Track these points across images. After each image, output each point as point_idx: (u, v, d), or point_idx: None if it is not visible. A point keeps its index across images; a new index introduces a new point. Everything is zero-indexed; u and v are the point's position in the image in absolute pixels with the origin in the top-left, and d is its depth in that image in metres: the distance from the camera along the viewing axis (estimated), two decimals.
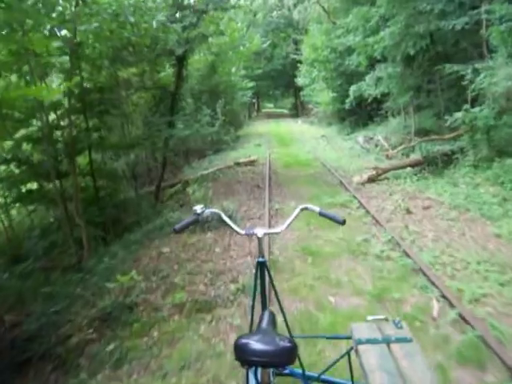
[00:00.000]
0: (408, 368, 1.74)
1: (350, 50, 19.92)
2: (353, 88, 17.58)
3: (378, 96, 15.09)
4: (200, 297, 4.30)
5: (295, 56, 30.17)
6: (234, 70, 20.75)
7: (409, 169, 10.45)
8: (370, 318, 2.14)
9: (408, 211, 7.12)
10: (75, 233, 7.42)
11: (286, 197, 8.39)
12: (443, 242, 5.64)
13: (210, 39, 11.55)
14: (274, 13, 42.83)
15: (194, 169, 13.28)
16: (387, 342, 1.93)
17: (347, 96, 20.79)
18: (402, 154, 12.94)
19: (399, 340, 1.93)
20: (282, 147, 16.57)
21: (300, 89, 35.54)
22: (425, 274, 4.55)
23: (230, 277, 4.69)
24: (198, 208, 2.14)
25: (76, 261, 6.92)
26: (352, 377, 2.13)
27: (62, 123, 8.20)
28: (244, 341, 1.59)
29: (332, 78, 21.68)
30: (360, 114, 21.22)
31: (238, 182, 10.09)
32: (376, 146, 15.20)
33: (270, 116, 43.75)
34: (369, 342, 1.92)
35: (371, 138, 16.05)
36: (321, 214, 2.19)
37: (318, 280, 4.51)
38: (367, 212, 7.02)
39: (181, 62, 9.57)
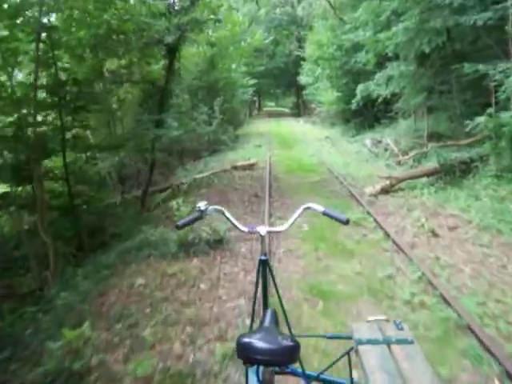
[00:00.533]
0: (408, 369, 1.70)
1: (357, 47, 18.76)
2: (360, 87, 16.41)
3: (388, 96, 13.92)
4: (174, 364, 3.14)
5: (299, 53, 28.98)
6: (234, 66, 19.53)
7: (424, 178, 9.33)
8: (370, 318, 2.10)
9: (433, 233, 5.95)
10: (42, 249, 6.27)
11: (289, 210, 7.23)
12: (484, 279, 4.48)
13: (208, 31, 10.34)
14: (278, 10, 41.56)
15: (188, 171, 12.11)
16: (388, 342, 1.90)
17: (353, 96, 19.67)
18: (414, 161, 11.82)
19: (400, 341, 1.89)
20: (283, 149, 15.39)
21: (302, 87, 34.33)
22: (475, 335, 3.39)
23: (217, 331, 3.52)
24: (202, 205, 2.09)
25: (38, 286, 5.77)
26: (351, 377, 2.06)
27: (32, 120, 6.99)
28: (247, 339, 1.54)
29: (337, 77, 20.50)
30: (366, 116, 20.05)
31: (235, 190, 8.90)
32: (385, 150, 14.04)
33: (271, 115, 42.51)
34: (369, 342, 1.89)
35: (379, 142, 14.88)
36: (324, 214, 2.12)
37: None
38: (386, 234, 5.85)
39: (172, 52, 8.40)
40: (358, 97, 16.56)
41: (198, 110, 15.46)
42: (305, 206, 2.22)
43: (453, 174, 9.32)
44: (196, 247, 5.17)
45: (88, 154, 7.84)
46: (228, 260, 5.03)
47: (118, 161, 9.19)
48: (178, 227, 2.08)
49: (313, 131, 23.59)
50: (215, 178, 10.14)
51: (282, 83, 46.25)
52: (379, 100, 14.36)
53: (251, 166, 11.04)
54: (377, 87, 16.07)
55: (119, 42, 8.04)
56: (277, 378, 2.12)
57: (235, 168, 10.86)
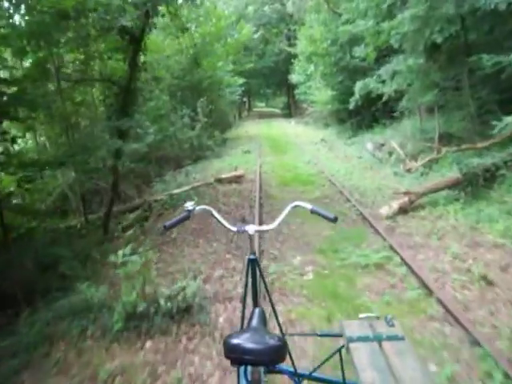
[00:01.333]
0: (399, 366, 1.69)
1: (354, 41, 17.06)
2: (359, 85, 14.70)
3: (392, 94, 12.23)
4: None
5: (290, 49, 27.26)
6: (220, 64, 17.76)
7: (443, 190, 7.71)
8: (361, 315, 2.07)
9: (486, 280, 4.26)
10: None
11: (285, 244, 5.51)
12: None
13: (183, 15, 8.57)
14: (266, 7, 39.82)
15: (166, 183, 10.34)
16: (379, 339, 1.88)
17: (349, 94, 17.95)
18: (425, 167, 10.23)
19: (391, 338, 1.88)
20: (275, 154, 13.65)
21: (294, 87, 32.66)
22: None
23: None
24: (189, 204, 2.03)
25: None
26: (343, 374, 1.99)
27: None
28: (234, 339, 1.52)
29: (331, 74, 18.80)
30: (364, 115, 18.40)
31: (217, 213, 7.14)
32: (389, 154, 12.36)
33: (261, 116, 40.75)
34: (360, 339, 1.87)
35: (382, 145, 13.20)
36: (313, 212, 2.05)
37: None
38: (424, 286, 4.11)
39: (136, 42, 6.62)
40: (357, 95, 14.86)
41: (180, 113, 13.70)
42: (293, 204, 2.12)
43: (476, 184, 7.70)
44: (151, 322, 3.40)
45: (28, 172, 6.00)
46: (198, 344, 3.27)
47: (76, 177, 7.40)
48: (165, 228, 1.99)
49: (306, 133, 21.89)
50: (195, 193, 8.38)
51: (272, 83, 44.57)
52: (383, 98, 12.60)
53: (238, 179, 9.29)
54: (377, 84, 14.40)
55: (69, 30, 6.27)
56: (269, 377, 2.09)
57: (219, 181, 9.12)
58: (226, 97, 19.34)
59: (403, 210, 6.84)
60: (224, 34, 17.53)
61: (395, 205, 6.79)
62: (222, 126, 21.14)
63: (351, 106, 15.42)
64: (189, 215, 2.01)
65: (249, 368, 1.67)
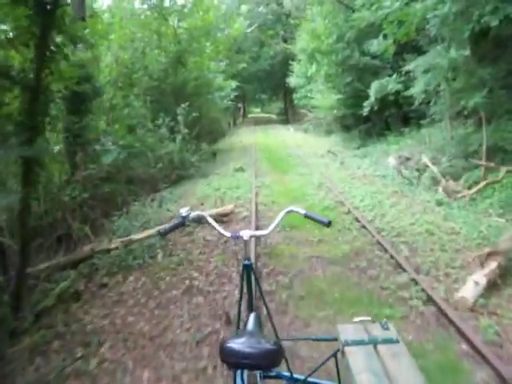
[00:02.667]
0: (395, 369, 1.67)
1: (364, 36, 14.43)
2: (375, 86, 12.03)
3: (422, 95, 9.50)
4: None
5: (289, 47, 24.56)
6: (209, 63, 14.97)
7: None
8: (356, 319, 2.06)
9: None
10: None
11: None
12: None
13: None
14: (261, 8, 37.17)
15: (130, 218, 7.52)
16: (374, 343, 1.87)
17: (358, 97, 15.26)
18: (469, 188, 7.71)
19: (386, 341, 1.86)
20: (274, 173, 10.79)
21: (292, 91, 29.96)
22: None
23: None
24: (184, 211, 2.02)
25: None
26: (339, 378, 1.97)
27: None
28: (230, 343, 1.51)
29: (337, 75, 16.07)
30: (374, 122, 15.68)
31: (182, 298, 4.25)
32: (419, 171, 9.64)
33: (257, 122, 37.95)
34: (355, 343, 1.86)
35: (408, 159, 10.47)
36: (306, 216, 2.05)
37: None
38: None
39: (46, 16, 3.85)
40: (372, 98, 12.16)
41: (158, 122, 10.91)
42: (287, 209, 2.09)
43: None
44: None
45: None
46: None
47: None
48: (161, 234, 2.00)
49: (308, 142, 19.12)
50: (158, 246, 5.56)
51: (267, 87, 41.88)
52: (416, 103, 9.85)
53: (225, 217, 6.46)
54: (397, 85, 11.69)
55: None
56: (265, 382, 2.06)
57: (200, 220, 6.33)
58: (217, 102, 16.55)
59: (492, 283, 4.08)
60: (213, 29, 14.73)
61: (481, 277, 4.01)
62: (213, 136, 18.37)
63: (365, 112, 12.69)
64: (183, 222, 1.98)
65: (245, 372, 1.67)
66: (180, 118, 10.91)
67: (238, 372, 1.75)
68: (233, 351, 1.46)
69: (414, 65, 8.94)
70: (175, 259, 5.07)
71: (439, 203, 7.35)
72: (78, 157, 7.94)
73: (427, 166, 9.51)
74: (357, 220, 6.21)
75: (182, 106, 11.12)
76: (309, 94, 21.24)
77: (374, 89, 11.84)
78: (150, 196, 9.34)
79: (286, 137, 22.51)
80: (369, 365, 1.71)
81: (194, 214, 2.07)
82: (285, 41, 36.53)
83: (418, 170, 9.80)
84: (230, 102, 19.63)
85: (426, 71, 8.74)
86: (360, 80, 15.09)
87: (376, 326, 2.00)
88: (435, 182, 8.84)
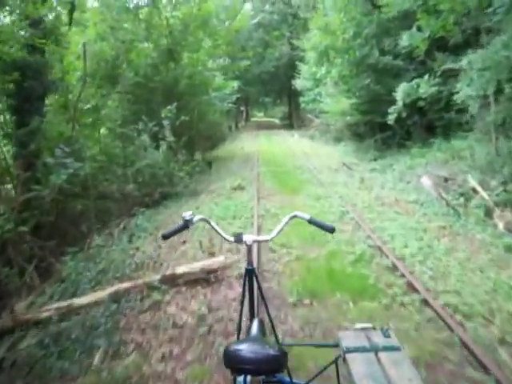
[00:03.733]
0: (396, 376, 1.63)
1: (387, 31, 12.41)
2: (403, 89, 9.91)
3: (475, 100, 7.37)
4: None
5: (297, 43, 22.45)
6: (207, 59, 12.82)
7: None
8: (357, 326, 2.01)
9: None
10: None
11: None
12: None
13: None
14: (267, 6, 35.05)
15: (87, 261, 5.41)
16: (375, 350, 1.82)
17: (376, 102, 13.22)
18: None
19: (387, 348, 1.82)
20: (282, 194, 8.50)
21: (297, 94, 27.85)
22: None
23: None
24: (187, 214, 1.91)
25: None
26: None
27: None
28: (233, 348, 1.48)
29: (352, 76, 13.93)
30: (394, 130, 13.54)
31: None
32: (463, 196, 7.51)
33: (260, 126, 35.80)
34: (356, 350, 1.82)
35: (447, 180, 8.33)
36: (310, 222, 1.96)
37: None
38: None
39: None
40: (399, 104, 10.01)
41: (141, 127, 8.78)
42: (291, 214, 2.01)
43: None
44: None
45: None
46: None
47: None
48: (164, 237, 1.96)
49: (316, 150, 16.97)
50: (103, 330, 3.43)
51: (271, 90, 39.73)
52: (471, 110, 7.71)
53: (213, 273, 4.29)
54: (431, 88, 9.56)
55: None
56: None
57: (172, 279, 4.15)
58: (216, 104, 14.45)
59: None
60: (212, 19, 12.60)
61: None
62: (211, 142, 16.24)
63: (390, 120, 10.53)
64: (187, 225, 1.91)
65: (248, 378, 1.60)
66: (166, 123, 8.79)
67: (241, 378, 1.69)
68: (236, 356, 1.43)
69: (466, 61, 6.78)
70: (119, 371, 2.90)
71: (508, 248, 5.22)
72: (18, 174, 5.84)
73: (474, 191, 7.40)
74: (412, 288, 4.04)
75: (169, 107, 8.99)
76: (318, 98, 19.09)
77: (402, 92, 9.72)
78: (123, 222, 7.21)
79: (292, 144, 20.36)
80: (370, 372, 1.66)
81: (197, 218, 1.93)
82: (290, 43, 34.52)
83: (462, 194, 7.66)
84: (230, 105, 17.55)
85: (482, 69, 6.60)
86: (378, 82, 12.98)
87: (377, 333, 1.94)
88: (488, 211, 6.73)
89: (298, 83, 22.79)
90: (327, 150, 17.22)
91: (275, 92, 40.73)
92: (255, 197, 7.91)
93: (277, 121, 48.82)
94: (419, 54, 9.51)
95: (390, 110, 10.33)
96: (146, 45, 11.45)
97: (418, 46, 9.23)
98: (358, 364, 1.73)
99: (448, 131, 11.50)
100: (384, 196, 8.10)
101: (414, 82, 9.92)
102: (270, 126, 36.92)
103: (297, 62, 22.72)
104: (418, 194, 8.05)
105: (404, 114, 10.13)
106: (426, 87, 9.35)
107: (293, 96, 34.37)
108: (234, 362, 1.45)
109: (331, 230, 1.96)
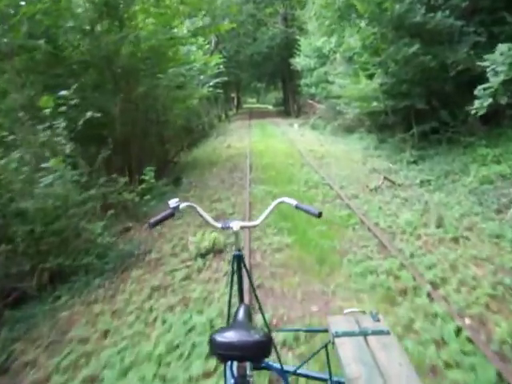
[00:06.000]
0: (385, 360, 1.61)
1: None
2: (505, 54, 5.43)
3: None
4: None
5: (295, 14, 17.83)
6: (172, 19, 8.19)
7: None
8: (347, 310, 2.01)
9: None
10: None
11: None
12: None
13: None
14: None
15: None
16: (364, 334, 1.79)
17: (423, 80, 8.97)
18: None
19: (376, 332, 1.79)
20: (309, 282, 3.85)
21: (295, 76, 23.29)
22: None
23: None
24: (173, 202, 1.84)
25: None
26: (330, 370, 1.93)
27: None
28: (219, 335, 1.44)
29: (385, 44, 9.41)
30: (441, 120, 9.36)
31: None
32: None
33: (252, 115, 31.08)
34: (346, 334, 1.78)
35: None
36: (297, 207, 1.95)
37: None
38: None
39: None
40: (498, 79, 5.56)
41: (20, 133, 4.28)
42: (278, 200, 2.00)
43: None
44: None
45: None
46: None
47: None
48: (150, 226, 1.87)
49: (329, 148, 12.44)
50: None
51: (265, 73, 34.93)
52: None
53: None
54: None
55: None
56: (255, 373, 1.96)
57: None
58: (192, 87, 9.97)
59: None
60: None
61: None
62: (186, 140, 11.76)
63: (482, 108, 5.97)
64: (173, 212, 1.83)
65: (235, 363, 1.55)
66: (61, 123, 4.30)
67: (228, 364, 1.69)
68: (222, 343, 1.41)
69: None
70: None
71: None
72: None
73: None
74: None
75: (64, 92, 4.47)
76: (325, 78, 14.54)
77: (505, 60, 5.27)
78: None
79: (292, 137, 15.79)
80: (359, 356, 1.63)
81: (183, 205, 1.85)
82: (285, 18, 29.78)
83: None
84: (214, 90, 13.04)
85: None
86: (428, 52, 8.56)
87: (366, 317, 1.92)
88: None
89: (299, 62, 18.18)
90: (341, 146, 12.79)
91: (269, 76, 35.98)
92: (248, 294, 3.40)
93: (270, 107, 44.29)
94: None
95: (478, 93, 5.84)
96: None
97: None
98: (346, 348, 1.68)
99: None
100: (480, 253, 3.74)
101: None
102: (263, 114, 32.24)
103: (297, 36, 18.06)
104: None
105: (504, 99, 5.65)
106: None
107: (289, 79, 29.79)
108: (220, 349, 1.41)
109: (317, 215, 1.87)
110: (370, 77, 10.86)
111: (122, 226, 5.78)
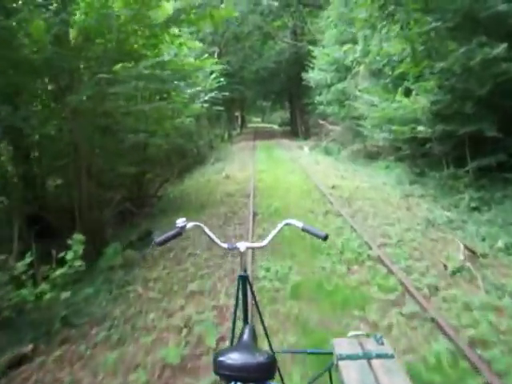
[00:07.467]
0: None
1: None
2: None
3: None
4: None
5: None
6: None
7: None
8: (351, 333, 1.94)
9: None
10: None
11: None
12: None
13: None
14: None
15: None
16: (368, 357, 1.75)
17: (496, 98, 6.25)
18: None
19: (380, 356, 1.75)
20: None
21: (305, 94, 20.71)
22: None
23: None
24: (180, 221, 1.82)
25: None
26: None
27: None
28: (223, 355, 1.42)
29: (443, 46, 6.73)
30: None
31: None
32: None
33: (257, 134, 28.46)
34: (349, 357, 1.75)
35: None
36: (303, 230, 1.90)
37: None
38: None
39: None
40: None
41: None
42: (285, 221, 1.94)
43: None
44: None
45: None
46: None
47: None
48: (157, 244, 1.83)
49: (354, 183, 9.62)
50: None
51: (271, 91, 32.47)
52: None
53: None
54: None
55: None
56: None
57: None
58: (179, 100, 7.38)
59: None
60: None
61: None
62: (174, 169, 9.10)
63: None
64: (181, 231, 1.83)
65: None
66: None
67: None
68: (226, 364, 1.38)
69: None
70: None
71: None
72: None
73: None
74: None
75: None
76: (351, 95, 11.85)
77: None
78: None
79: (305, 163, 13.01)
80: (362, 379, 1.60)
81: (190, 225, 1.84)
82: (294, 32, 27.45)
83: None
84: (211, 106, 10.49)
85: None
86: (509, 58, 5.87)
87: (371, 340, 1.88)
88: None
89: (312, 77, 15.53)
90: (366, 178, 10.05)
91: (275, 93, 33.56)
92: None
93: (276, 127, 41.90)
94: None
95: None
96: None
97: None
98: (350, 371, 1.65)
99: None
100: None
101: None
102: (269, 134, 29.63)
103: (310, 47, 15.43)
104: None
105: None
106: None
107: (297, 98, 27.26)
108: (223, 369, 1.38)
109: (323, 238, 1.83)
110: (406, 94, 8.32)
111: (10, 353, 3.05)
